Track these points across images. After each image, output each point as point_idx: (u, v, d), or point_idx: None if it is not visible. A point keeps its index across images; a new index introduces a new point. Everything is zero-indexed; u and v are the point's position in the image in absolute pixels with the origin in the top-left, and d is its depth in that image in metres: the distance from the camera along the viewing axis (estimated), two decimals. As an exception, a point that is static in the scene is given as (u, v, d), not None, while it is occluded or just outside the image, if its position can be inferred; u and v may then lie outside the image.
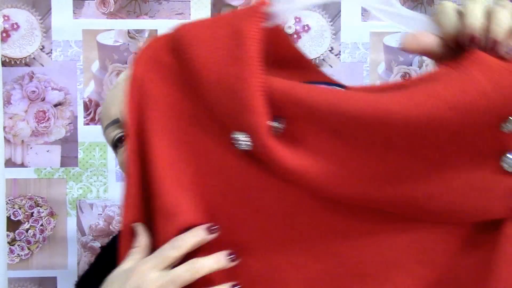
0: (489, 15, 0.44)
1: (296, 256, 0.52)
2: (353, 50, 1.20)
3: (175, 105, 0.54)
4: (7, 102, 1.16)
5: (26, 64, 1.16)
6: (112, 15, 1.16)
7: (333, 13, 1.20)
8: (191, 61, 0.51)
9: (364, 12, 1.20)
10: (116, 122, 0.72)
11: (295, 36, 1.18)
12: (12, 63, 1.15)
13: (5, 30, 1.15)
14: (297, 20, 1.19)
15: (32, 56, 1.16)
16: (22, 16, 1.15)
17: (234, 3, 1.18)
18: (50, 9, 1.15)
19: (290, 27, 1.18)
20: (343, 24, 1.20)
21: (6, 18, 1.15)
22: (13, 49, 1.15)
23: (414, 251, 0.49)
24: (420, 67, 1.21)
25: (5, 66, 1.15)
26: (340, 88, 0.53)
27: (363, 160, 0.47)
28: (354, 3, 0.56)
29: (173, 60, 0.54)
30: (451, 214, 0.47)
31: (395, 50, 1.21)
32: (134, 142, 0.55)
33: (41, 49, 1.16)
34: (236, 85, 0.48)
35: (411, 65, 1.21)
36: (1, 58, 1.15)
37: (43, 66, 1.16)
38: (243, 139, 0.49)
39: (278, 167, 0.48)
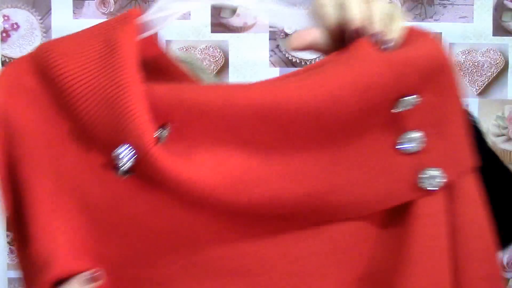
0: (365, 8, 0.45)
1: (206, 285, 0.47)
2: (353, 50, 1.20)
3: (48, 134, 0.48)
4: (7, 102, 1.16)
5: (26, 64, 1.16)
6: (112, 15, 1.16)
7: (333, 13, 1.20)
8: (60, 79, 0.46)
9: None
10: None
11: (295, 36, 1.18)
12: (12, 63, 1.16)
13: (5, 30, 1.15)
14: (297, 20, 1.19)
15: (32, 56, 1.16)
16: (22, 16, 1.15)
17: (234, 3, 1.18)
18: (50, 9, 1.15)
19: (290, 27, 1.18)
20: (343, 24, 1.20)
21: (6, 18, 1.15)
22: (13, 49, 1.15)
23: (328, 255, 0.47)
24: (420, 67, 1.21)
25: (5, 66, 1.15)
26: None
27: (262, 159, 0.44)
28: (231, 4, 0.54)
29: (40, 82, 0.49)
30: (359, 205, 0.45)
31: (395, 50, 1.21)
32: (6, 187, 0.49)
33: (41, 49, 1.16)
34: (115, 94, 0.43)
35: (411, 65, 1.21)
36: (1, 58, 1.15)
37: (43, 66, 1.16)
38: (126, 154, 0.43)
39: (169, 181, 0.43)
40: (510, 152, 1.22)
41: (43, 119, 0.48)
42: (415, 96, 0.43)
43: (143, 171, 0.43)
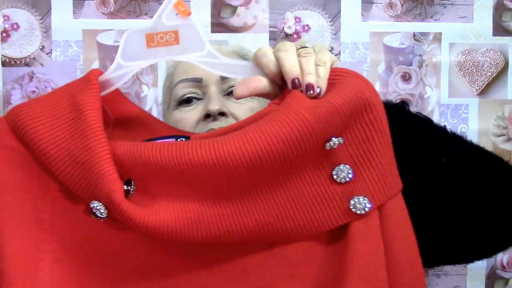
0: (298, 63, 0.51)
1: None
2: (353, 50, 1.20)
3: (28, 189, 0.55)
4: (7, 102, 1.16)
5: (26, 64, 1.16)
6: (112, 15, 1.16)
7: (333, 13, 1.20)
8: (35, 142, 0.53)
9: (364, 12, 1.20)
10: (196, 81, 0.75)
11: (295, 36, 1.18)
12: (12, 63, 1.16)
13: (5, 30, 1.15)
14: (297, 20, 1.19)
15: (32, 56, 1.16)
16: (22, 16, 1.15)
17: (234, 3, 1.18)
18: (50, 9, 1.15)
19: (290, 27, 1.18)
20: (343, 24, 1.20)
21: (6, 18, 1.15)
22: (13, 49, 1.15)
23: (283, 270, 0.54)
24: (420, 67, 1.21)
25: (5, 66, 1.15)
26: (183, 139, 0.57)
27: (214, 202, 0.52)
28: (175, 58, 0.62)
29: (19, 143, 0.55)
30: (302, 228, 0.53)
31: (395, 50, 1.21)
32: None
33: (41, 49, 1.16)
34: (85, 157, 0.51)
35: (411, 65, 1.21)
36: (1, 58, 1.15)
37: (43, 66, 1.16)
38: (100, 207, 0.52)
39: (138, 227, 0.51)
40: (510, 152, 1.22)
41: (24, 173, 0.54)
42: (340, 137, 0.51)
43: (116, 218, 0.52)
